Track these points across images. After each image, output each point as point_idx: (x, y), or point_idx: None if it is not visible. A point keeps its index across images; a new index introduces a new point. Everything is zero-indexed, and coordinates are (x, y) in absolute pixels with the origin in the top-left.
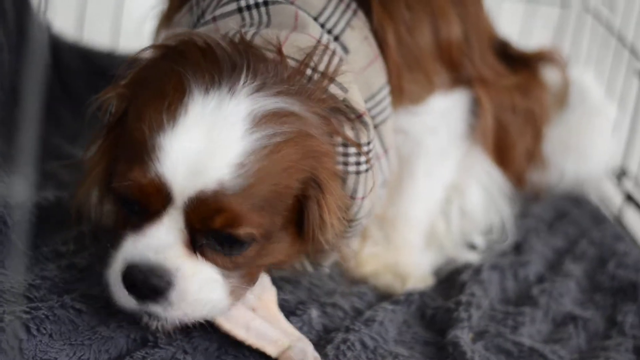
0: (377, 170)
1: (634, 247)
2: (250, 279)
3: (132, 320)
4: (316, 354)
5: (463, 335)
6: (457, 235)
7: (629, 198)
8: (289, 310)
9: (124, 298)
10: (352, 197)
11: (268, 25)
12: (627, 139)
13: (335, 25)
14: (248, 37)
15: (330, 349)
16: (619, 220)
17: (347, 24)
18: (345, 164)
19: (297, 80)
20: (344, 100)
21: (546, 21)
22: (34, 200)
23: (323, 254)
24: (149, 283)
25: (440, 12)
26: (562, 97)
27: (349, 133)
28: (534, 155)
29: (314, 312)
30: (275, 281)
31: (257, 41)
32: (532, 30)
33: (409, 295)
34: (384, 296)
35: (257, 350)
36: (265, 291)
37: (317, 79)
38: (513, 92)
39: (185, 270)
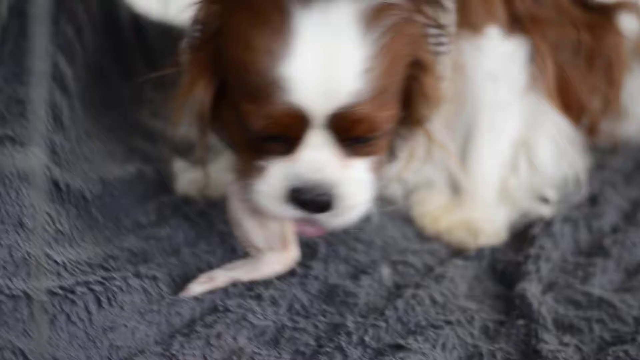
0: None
1: None
2: (382, 164)
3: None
4: (267, 273)
5: (531, 288)
6: (529, 189)
7: None
8: (361, 270)
9: (286, 212)
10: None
11: None
12: None
13: None
14: None
15: (400, 303)
16: None
17: None
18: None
19: None
20: None
21: None
22: (116, 173)
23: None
24: (316, 201)
25: None
26: None
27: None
28: (610, 103)
29: (385, 270)
30: (349, 241)
31: None
32: None
33: (480, 250)
34: (457, 252)
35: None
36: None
37: None
38: (580, 30)
39: (342, 181)
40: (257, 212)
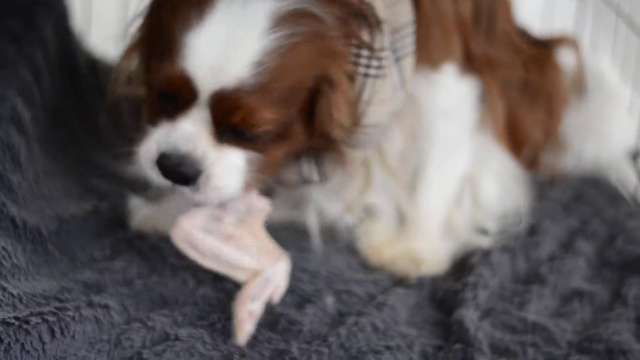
0: (393, 97)
1: None
2: (269, 167)
3: (156, 315)
4: (283, 282)
5: (468, 314)
6: (471, 222)
7: None
8: (305, 298)
9: (156, 178)
10: (358, 98)
11: None
12: None
13: None
14: None
15: (342, 330)
16: (635, 199)
17: None
18: (356, 64)
19: None
20: (369, 5)
21: (565, 13)
22: (73, 210)
23: (330, 156)
24: (179, 170)
25: None
26: (578, 81)
27: (366, 37)
28: (551, 135)
29: (329, 299)
30: (295, 272)
31: None
32: (551, 22)
33: (421, 279)
34: (399, 282)
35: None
36: (251, 213)
37: None
38: (528, 68)
39: (211, 158)
40: (229, 235)
